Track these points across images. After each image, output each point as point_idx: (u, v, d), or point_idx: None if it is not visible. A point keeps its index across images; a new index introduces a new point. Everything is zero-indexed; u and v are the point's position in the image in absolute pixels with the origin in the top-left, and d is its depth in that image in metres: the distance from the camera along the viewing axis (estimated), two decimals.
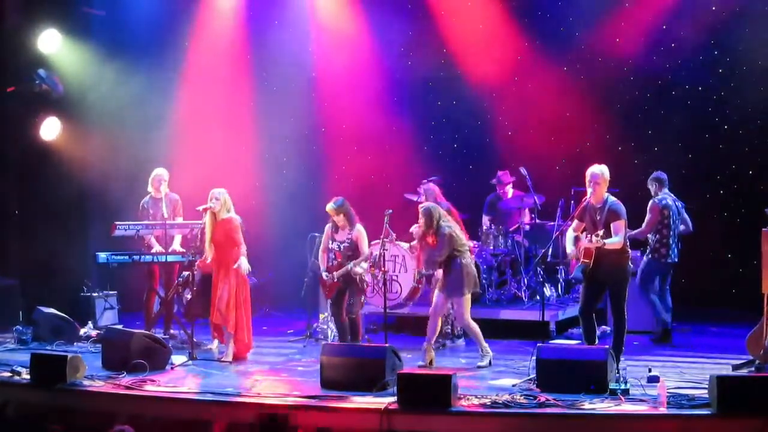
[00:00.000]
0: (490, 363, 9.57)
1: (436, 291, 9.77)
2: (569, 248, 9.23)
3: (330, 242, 10.30)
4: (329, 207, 10.21)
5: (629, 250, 9.29)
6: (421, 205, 9.86)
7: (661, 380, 7.99)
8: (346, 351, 8.93)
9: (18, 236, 12.75)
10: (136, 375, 8.91)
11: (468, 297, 9.59)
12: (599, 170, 9.08)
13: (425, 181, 11.22)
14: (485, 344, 9.65)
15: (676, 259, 10.80)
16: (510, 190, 12.40)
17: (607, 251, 8.87)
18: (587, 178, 9.09)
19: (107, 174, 12.87)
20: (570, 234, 9.31)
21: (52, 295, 11.92)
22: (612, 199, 9.16)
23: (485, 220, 12.33)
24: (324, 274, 10.31)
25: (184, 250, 11.12)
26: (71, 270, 12.47)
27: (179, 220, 11.44)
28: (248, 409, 8.03)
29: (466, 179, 12.66)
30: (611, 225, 8.94)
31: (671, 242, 10.68)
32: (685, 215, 11.05)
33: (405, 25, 13.68)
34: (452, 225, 9.71)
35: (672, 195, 10.89)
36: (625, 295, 9.28)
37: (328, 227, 10.36)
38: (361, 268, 10.18)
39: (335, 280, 10.19)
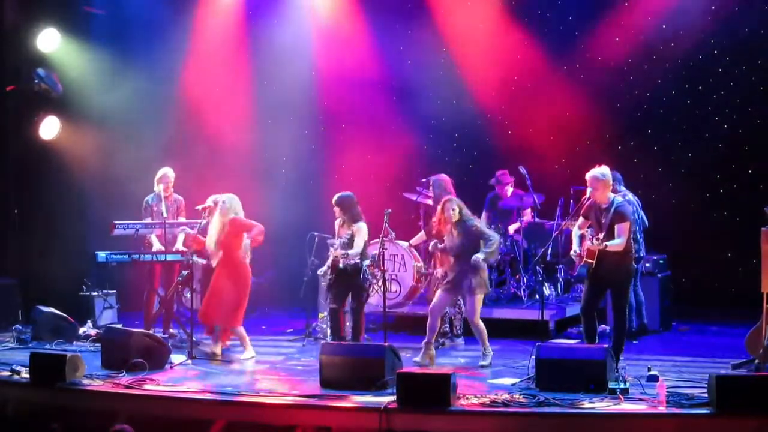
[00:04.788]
0: (490, 363, 9.60)
1: (440, 291, 9.77)
2: (575, 247, 9.20)
3: (337, 239, 10.26)
4: (334, 198, 10.15)
5: (633, 250, 9.28)
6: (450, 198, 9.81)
7: (661, 379, 7.99)
8: (346, 350, 8.93)
9: (17, 235, 12.75)
10: (136, 374, 8.91)
11: (481, 297, 9.62)
12: (592, 175, 9.03)
13: (432, 177, 11.19)
14: (488, 345, 9.68)
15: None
16: (510, 190, 12.39)
17: (610, 251, 8.86)
18: (587, 183, 9.09)
19: (106, 173, 12.87)
20: (575, 232, 9.30)
21: (51, 294, 11.92)
22: (618, 200, 9.14)
23: (484, 216, 12.31)
24: (320, 270, 10.27)
25: (186, 250, 11.12)
26: (70, 269, 12.46)
27: (182, 218, 11.43)
28: (247, 408, 8.04)
29: (465, 178, 12.64)
30: (615, 227, 8.92)
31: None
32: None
33: (405, 25, 13.68)
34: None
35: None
36: (627, 294, 9.29)
37: (337, 222, 10.26)
38: (351, 253, 9.95)
39: (333, 274, 10.14)
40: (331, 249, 10.15)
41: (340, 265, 10.07)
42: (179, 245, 11.39)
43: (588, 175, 9.07)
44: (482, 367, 9.50)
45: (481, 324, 9.65)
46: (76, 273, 12.35)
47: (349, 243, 10.03)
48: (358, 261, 10.05)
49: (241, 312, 10.19)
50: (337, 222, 10.24)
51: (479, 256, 9.46)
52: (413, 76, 13.79)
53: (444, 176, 11.00)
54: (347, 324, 10.52)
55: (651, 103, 12.90)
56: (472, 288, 9.54)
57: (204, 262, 10.64)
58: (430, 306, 9.80)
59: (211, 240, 10.20)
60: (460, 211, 9.64)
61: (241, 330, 10.18)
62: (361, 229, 10.06)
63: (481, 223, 9.88)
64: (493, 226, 11.96)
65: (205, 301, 10.24)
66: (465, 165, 13.56)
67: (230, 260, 10.12)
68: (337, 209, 10.10)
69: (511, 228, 12.17)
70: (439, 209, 9.78)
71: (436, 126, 13.80)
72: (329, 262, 10.18)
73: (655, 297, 11.38)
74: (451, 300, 9.86)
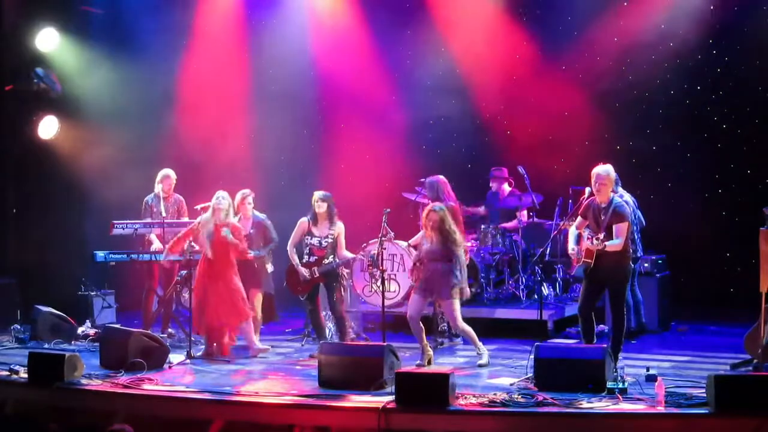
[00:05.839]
0: (488, 361, 9.59)
1: (413, 294, 9.72)
2: (571, 245, 9.21)
3: (308, 237, 10.27)
4: (318, 194, 10.24)
5: (630, 250, 9.27)
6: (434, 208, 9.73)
7: (659, 379, 7.99)
8: (344, 350, 8.94)
9: (16, 235, 12.75)
10: (134, 374, 8.91)
11: (457, 301, 9.54)
12: (604, 171, 9.02)
13: (426, 178, 11.19)
14: (480, 343, 9.66)
15: None
16: (507, 188, 12.40)
17: (608, 251, 8.85)
18: (592, 179, 9.06)
19: (105, 173, 12.85)
20: (572, 231, 9.29)
21: (49, 293, 11.92)
22: (617, 200, 9.12)
23: (482, 209, 12.28)
24: (302, 270, 10.25)
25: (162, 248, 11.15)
26: (69, 268, 12.47)
27: (184, 219, 11.42)
28: (246, 407, 8.04)
29: (464, 179, 12.65)
30: (614, 227, 8.91)
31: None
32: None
33: (404, 24, 13.67)
34: (457, 230, 9.72)
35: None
36: (625, 294, 9.29)
37: (305, 220, 10.31)
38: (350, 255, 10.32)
39: (316, 275, 10.19)
40: (312, 247, 10.24)
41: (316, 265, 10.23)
42: (157, 245, 11.31)
43: (595, 171, 9.02)
44: (481, 366, 9.48)
45: (466, 326, 9.61)
46: (75, 272, 12.35)
47: (333, 244, 10.20)
48: (333, 258, 10.25)
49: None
50: (307, 219, 10.28)
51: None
52: (412, 75, 13.78)
53: (439, 178, 10.94)
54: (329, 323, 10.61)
55: (650, 103, 12.90)
56: (445, 291, 9.48)
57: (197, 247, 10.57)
58: (408, 314, 9.67)
59: (207, 239, 10.18)
60: (442, 222, 9.56)
61: (250, 325, 10.19)
62: (343, 230, 10.28)
63: (460, 237, 9.73)
64: (492, 226, 12.00)
65: (223, 310, 10.09)
66: (464, 165, 13.55)
67: (227, 261, 10.10)
68: (324, 204, 10.20)
69: (507, 225, 12.17)
70: (423, 215, 9.75)
71: (435, 125, 13.79)
72: (326, 267, 10.19)
73: (653, 297, 11.38)
74: (424, 302, 9.71)
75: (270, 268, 10.96)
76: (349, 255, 10.33)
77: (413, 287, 9.86)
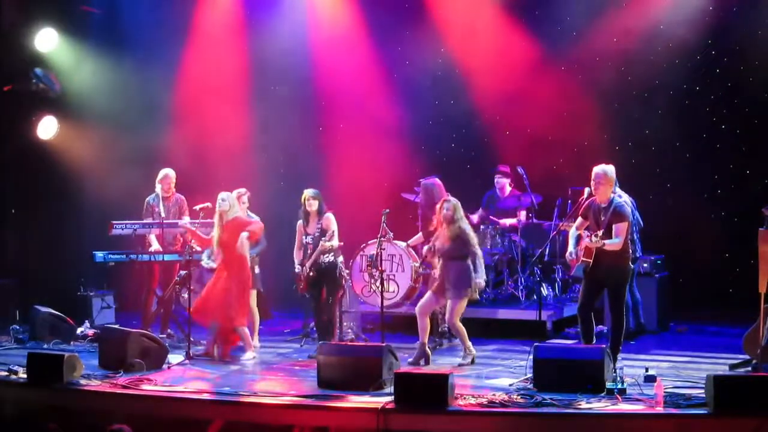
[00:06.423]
0: (472, 361, 9.63)
1: (429, 292, 9.79)
2: (571, 247, 9.20)
3: (304, 237, 10.38)
4: (308, 192, 10.32)
5: (630, 250, 9.27)
6: (448, 198, 9.82)
7: (658, 380, 7.99)
8: (343, 350, 8.94)
9: (15, 235, 12.75)
10: (133, 374, 8.92)
11: (464, 301, 9.60)
12: (602, 170, 9.02)
13: (422, 180, 11.19)
14: (470, 344, 9.70)
15: None
16: (508, 188, 12.39)
17: (607, 251, 8.86)
18: (591, 178, 9.07)
19: (104, 173, 12.86)
20: (573, 232, 9.28)
21: (48, 294, 11.93)
22: (617, 200, 9.12)
23: (480, 212, 12.26)
24: (297, 267, 10.39)
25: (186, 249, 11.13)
26: (68, 269, 12.47)
27: (186, 218, 11.42)
28: (245, 408, 8.04)
29: (463, 179, 12.64)
30: (613, 226, 8.91)
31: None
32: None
33: (403, 24, 13.67)
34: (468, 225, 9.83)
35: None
36: (624, 295, 9.26)
37: (300, 224, 10.43)
38: (329, 244, 10.21)
39: (308, 271, 10.25)
40: (308, 245, 10.31)
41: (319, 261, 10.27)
42: (156, 246, 11.33)
43: (595, 170, 9.01)
44: (460, 365, 9.50)
45: (460, 325, 9.66)
46: (74, 273, 12.35)
47: (322, 236, 10.23)
48: (333, 258, 10.27)
49: (246, 311, 10.23)
50: (301, 222, 10.41)
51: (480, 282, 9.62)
52: (412, 77, 13.78)
53: (434, 180, 10.95)
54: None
55: (649, 104, 12.89)
56: (456, 291, 9.54)
57: (215, 265, 10.57)
58: (417, 306, 9.80)
59: (213, 239, 10.22)
60: (455, 213, 9.63)
61: (245, 330, 10.20)
62: (331, 218, 10.31)
63: (471, 231, 9.83)
64: (491, 227, 11.99)
65: (204, 300, 10.18)
66: (463, 165, 13.55)
67: (232, 259, 10.11)
68: (315, 202, 10.30)
69: (507, 221, 12.13)
70: (438, 207, 9.82)
71: (434, 126, 13.78)
72: (312, 259, 10.27)
73: (652, 297, 11.38)
74: (437, 302, 9.81)
75: (256, 269, 11.00)
76: (326, 244, 10.24)
77: (427, 285, 9.92)
